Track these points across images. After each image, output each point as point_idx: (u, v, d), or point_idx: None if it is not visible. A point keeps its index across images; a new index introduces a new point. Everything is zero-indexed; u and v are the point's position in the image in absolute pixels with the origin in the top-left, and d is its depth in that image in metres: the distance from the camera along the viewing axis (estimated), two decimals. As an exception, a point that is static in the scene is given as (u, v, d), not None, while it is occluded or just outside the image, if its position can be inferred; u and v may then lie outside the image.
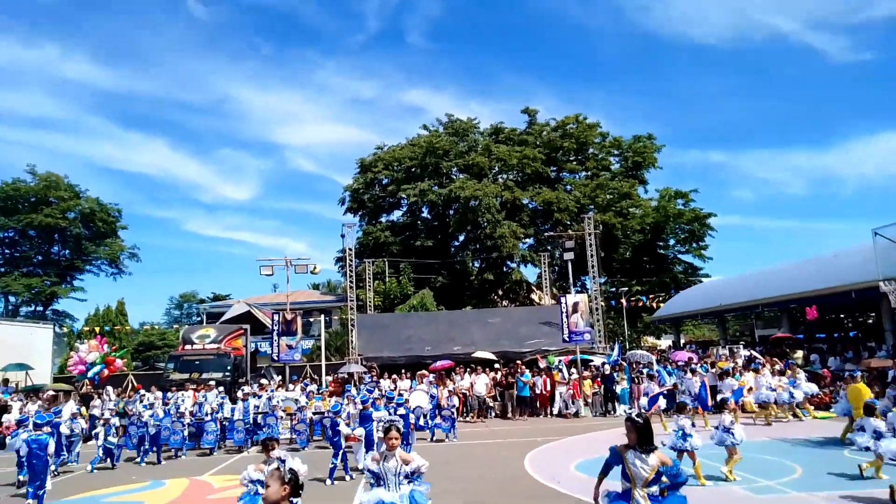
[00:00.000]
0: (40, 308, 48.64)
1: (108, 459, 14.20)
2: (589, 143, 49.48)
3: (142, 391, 19.77)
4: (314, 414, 16.70)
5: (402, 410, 15.20)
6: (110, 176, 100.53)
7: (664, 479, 5.06)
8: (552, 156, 48.84)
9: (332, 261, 50.47)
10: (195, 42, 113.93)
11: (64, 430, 13.95)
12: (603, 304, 35.25)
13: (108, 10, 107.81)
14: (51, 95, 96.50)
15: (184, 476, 12.56)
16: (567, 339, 24.19)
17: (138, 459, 14.53)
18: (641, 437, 4.98)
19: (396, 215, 50.04)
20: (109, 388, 22.03)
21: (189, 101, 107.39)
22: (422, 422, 17.30)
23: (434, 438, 16.53)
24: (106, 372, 24.15)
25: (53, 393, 23.29)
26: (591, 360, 24.34)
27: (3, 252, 48.78)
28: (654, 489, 4.98)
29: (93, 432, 15.41)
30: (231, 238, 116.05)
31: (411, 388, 20.15)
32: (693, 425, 10.23)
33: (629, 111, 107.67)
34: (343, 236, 32.58)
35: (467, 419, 20.64)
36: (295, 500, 5.63)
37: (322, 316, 30.88)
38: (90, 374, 23.71)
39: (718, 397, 17.21)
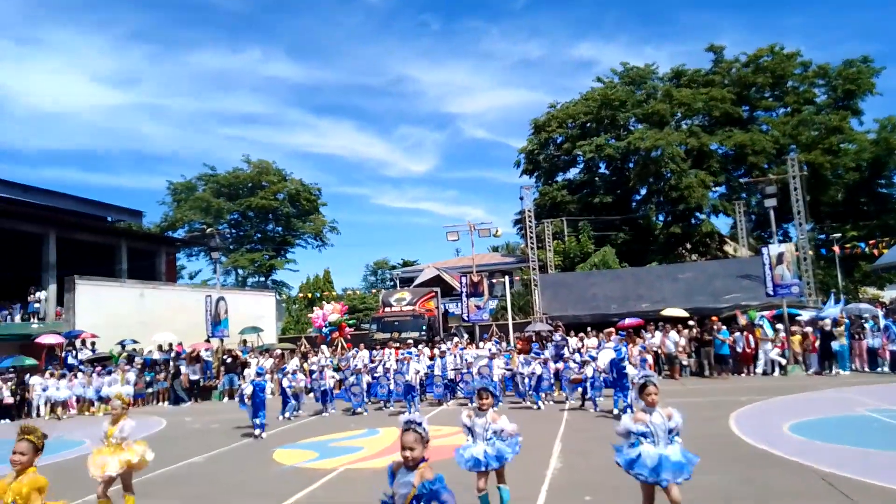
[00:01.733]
0: (262, 279, 55.73)
1: (325, 406, 16.39)
2: (787, 75, 44.05)
3: (352, 349, 21.93)
4: (506, 370, 17.32)
5: (588, 370, 15.31)
6: (309, 160, 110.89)
7: None
8: (743, 94, 44.36)
9: (510, 223, 51.10)
10: (370, 28, 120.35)
11: (286, 383, 16.34)
12: (811, 252, 31.70)
13: (295, 10, 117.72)
14: (256, 93, 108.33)
15: (394, 426, 13.83)
16: (771, 293, 22.19)
17: (355, 409, 16.25)
18: None
19: (573, 173, 49.24)
20: (324, 346, 24.72)
21: (370, 84, 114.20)
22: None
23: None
24: (337, 333, 26.93)
25: (280, 352, 26.78)
26: (800, 315, 22.17)
27: (231, 232, 56.38)
28: None
29: (312, 384, 17.53)
30: (415, 208, 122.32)
31: (599, 346, 19.97)
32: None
33: (836, 32, 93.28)
34: (521, 198, 32.88)
35: (661, 377, 20.02)
36: None
37: (506, 277, 31.55)
38: (325, 330, 26.59)
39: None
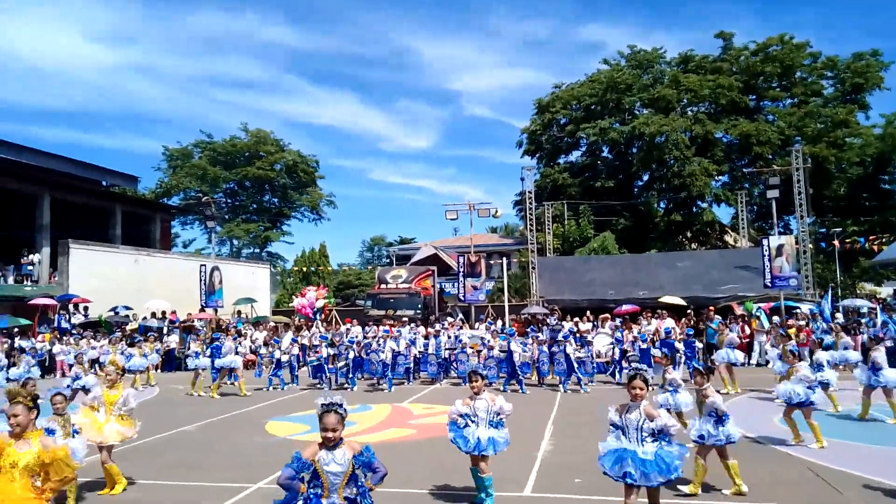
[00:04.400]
0: (257, 250, 55.52)
1: (319, 379, 16.40)
2: (796, 65, 43.44)
3: (347, 325, 21.82)
4: (500, 352, 17.23)
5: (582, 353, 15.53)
6: (305, 130, 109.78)
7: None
8: (751, 83, 43.78)
9: (509, 205, 50.88)
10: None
11: (278, 355, 16.55)
12: (811, 246, 31.57)
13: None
14: (254, 58, 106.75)
15: (386, 402, 13.77)
16: (769, 285, 22.16)
17: (346, 386, 16.18)
18: None
19: (575, 156, 48.76)
20: (318, 321, 24.63)
21: (370, 55, 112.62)
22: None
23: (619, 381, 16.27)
24: (322, 315, 27.02)
25: (274, 324, 26.70)
26: (798, 308, 22.12)
27: (227, 202, 56.04)
28: None
29: (307, 359, 17.47)
30: (413, 185, 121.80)
31: (594, 330, 19.91)
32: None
33: (848, 24, 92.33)
34: (522, 179, 32.54)
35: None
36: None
37: (504, 259, 31.42)
38: (313, 315, 26.60)
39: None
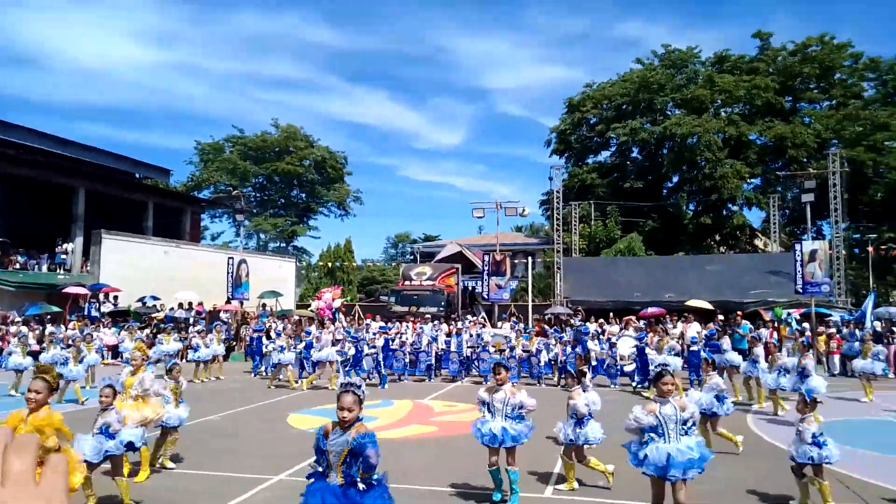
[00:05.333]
0: (283, 244, 56.07)
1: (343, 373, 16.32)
2: (836, 66, 42.39)
3: (369, 320, 21.92)
4: (523, 352, 17.16)
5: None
6: (340, 128, 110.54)
7: None
8: (788, 84, 42.84)
9: (536, 204, 50.57)
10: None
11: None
12: (845, 252, 30.80)
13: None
14: (293, 58, 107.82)
15: (408, 398, 13.78)
16: (800, 291, 21.64)
17: (371, 380, 16.22)
18: None
19: (604, 156, 48.25)
20: (341, 315, 24.79)
21: (407, 53, 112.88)
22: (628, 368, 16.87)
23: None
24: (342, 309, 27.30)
25: (298, 318, 26.92)
26: (830, 315, 21.58)
27: (256, 196, 56.69)
28: None
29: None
30: (442, 182, 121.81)
31: (620, 333, 19.68)
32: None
33: (892, 24, 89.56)
34: (551, 179, 32.35)
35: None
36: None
37: (528, 258, 31.24)
38: (333, 315, 26.82)
39: None
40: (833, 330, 19.72)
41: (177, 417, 7.91)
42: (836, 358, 19.08)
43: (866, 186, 39.16)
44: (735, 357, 14.07)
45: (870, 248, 35.13)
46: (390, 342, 17.11)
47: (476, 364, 17.55)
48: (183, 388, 8.30)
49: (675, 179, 44.36)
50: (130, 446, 6.29)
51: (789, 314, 21.37)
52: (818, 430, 6.15)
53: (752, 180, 42.07)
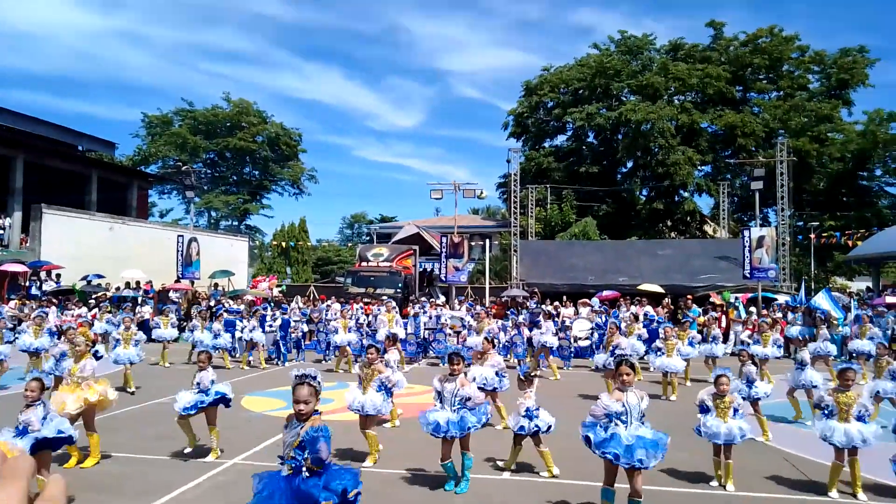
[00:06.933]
0: (236, 223, 54.77)
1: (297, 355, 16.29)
2: (784, 58, 43.69)
3: (326, 302, 21.60)
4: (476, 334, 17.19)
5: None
6: (292, 105, 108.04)
7: None
8: (739, 74, 43.94)
9: (493, 187, 50.66)
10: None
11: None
12: (789, 239, 31.99)
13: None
14: (242, 29, 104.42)
15: (365, 380, 13.62)
16: (748, 276, 22.39)
17: (323, 361, 16.03)
18: None
19: (560, 140, 48.68)
20: (298, 297, 24.37)
21: (362, 31, 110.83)
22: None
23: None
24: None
25: (251, 298, 26.34)
26: (775, 300, 22.41)
27: (206, 172, 55.07)
28: None
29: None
30: (398, 164, 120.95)
31: (575, 315, 19.99)
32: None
33: (837, 20, 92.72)
34: (508, 161, 32.40)
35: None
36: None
37: (485, 241, 31.32)
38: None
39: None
40: (779, 314, 20.46)
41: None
42: (781, 339, 19.81)
43: (810, 176, 40.68)
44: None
45: (812, 236, 36.62)
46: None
47: (433, 346, 17.53)
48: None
49: (630, 165, 45.15)
50: (50, 443, 5.79)
51: (737, 298, 22.07)
52: (533, 404, 6.73)
53: (703, 167, 43.17)
